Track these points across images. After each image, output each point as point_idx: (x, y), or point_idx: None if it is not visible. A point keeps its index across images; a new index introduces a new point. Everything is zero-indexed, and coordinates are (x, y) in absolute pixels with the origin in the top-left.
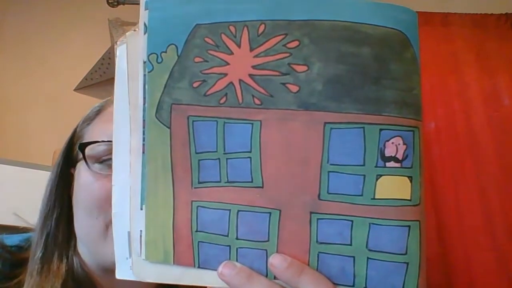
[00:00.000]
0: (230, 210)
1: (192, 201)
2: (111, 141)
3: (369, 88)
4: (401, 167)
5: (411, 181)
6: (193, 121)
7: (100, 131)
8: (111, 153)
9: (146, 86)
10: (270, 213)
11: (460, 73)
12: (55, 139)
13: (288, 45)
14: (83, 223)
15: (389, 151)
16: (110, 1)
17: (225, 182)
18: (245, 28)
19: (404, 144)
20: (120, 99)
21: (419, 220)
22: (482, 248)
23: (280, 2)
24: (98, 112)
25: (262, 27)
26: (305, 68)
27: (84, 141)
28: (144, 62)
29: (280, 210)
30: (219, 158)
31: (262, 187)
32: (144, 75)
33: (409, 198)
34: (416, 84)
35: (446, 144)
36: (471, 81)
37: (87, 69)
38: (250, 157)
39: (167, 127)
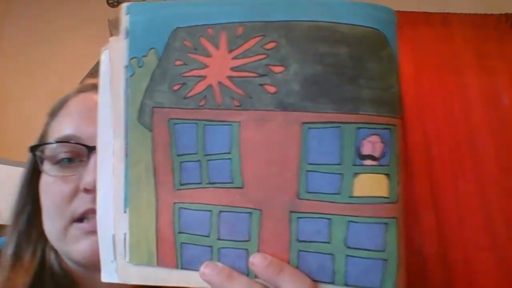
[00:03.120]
0: (211, 211)
1: (174, 203)
2: (61, 142)
3: (346, 88)
4: (378, 165)
5: (388, 179)
6: (174, 123)
7: (60, 126)
8: (68, 151)
9: (128, 90)
10: (250, 213)
11: (460, 73)
12: None
13: (266, 46)
14: (46, 223)
15: (366, 150)
16: (110, 1)
17: (207, 184)
18: (224, 31)
19: (381, 142)
20: (104, 104)
21: (396, 217)
22: (482, 248)
23: (259, 3)
24: (61, 104)
25: (240, 29)
26: (282, 69)
27: (48, 137)
28: (126, 67)
29: (260, 210)
30: (200, 160)
31: (242, 187)
32: (126, 79)
33: (386, 196)
34: (394, 82)
35: (446, 144)
36: (471, 81)
37: (87, 69)
38: (230, 158)
39: (149, 130)
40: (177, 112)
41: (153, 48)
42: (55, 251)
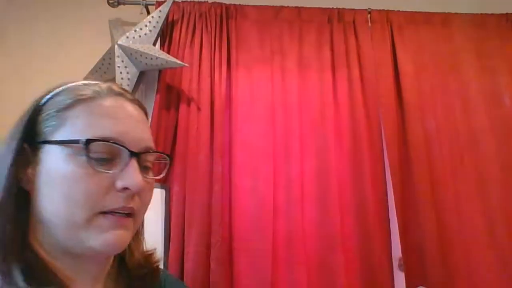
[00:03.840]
0: None
1: None
2: (114, 143)
3: None
4: None
5: None
6: None
7: (99, 124)
8: (108, 151)
9: None
10: None
11: (460, 73)
12: None
13: None
14: (64, 210)
15: None
16: (110, 1)
17: None
18: None
19: None
20: None
21: None
22: (482, 247)
23: None
24: (83, 99)
25: None
26: None
27: (63, 128)
28: None
29: None
30: None
31: None
32: None
33: None
34: None
35: (446, 143)
36: (471, 81)
37: (88, 69)
38: None
39: None
40: None
41: None
42: (34, 238)
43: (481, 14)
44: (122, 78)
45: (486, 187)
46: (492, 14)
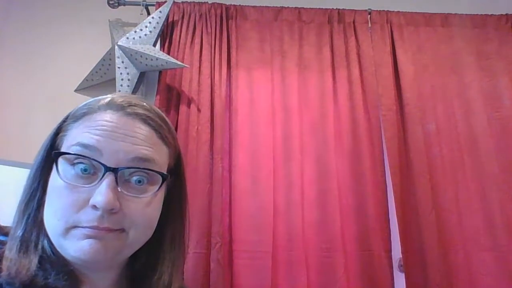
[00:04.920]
0: None
1: None
2: (85, 157)
3: None
4: None
5: None
6: None
7: (83, 134)
8: (87, 163)
9: None
10: None
11: (460, 73)
12: None
13: None
14: (49, 217)
15: None
16: (110, 2)
17: None
18: None
19: None
20: None
21: None
22: (482, 248)
23: None
24: (87, 113)
25: None
26: None
27: (69, 139)
28: None
29: None
30: None
31: None
32: None
33: None
34: None
35: (446, 144)
36: (471, 82)
37: (88, 70)
38: None
39: None
40: None
41: None
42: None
43: (481, 15)
44: (122, 79)
45: (485, 187)
46: (492, 15)
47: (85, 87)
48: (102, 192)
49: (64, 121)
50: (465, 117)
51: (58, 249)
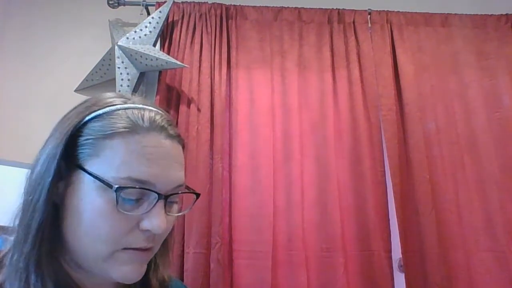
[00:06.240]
0: None
1: None
2: (143, 188)
3: None
4: None
5: None
6: None
7: (134, 165)
8: (139, 193)
9: None
10: None
11: (460, 73)
12: None
13: None
14: (87, 241)
15: None
16: (110, 2)
17: None
18: None
19: None
20: None
21: None
22: (482, 248)
23: None
24: (123, 133)
25: None
26: None
27: (98, 159)
28: None
29: None
30: None
31: None
32: None
33: None
34: None
35: (446, 144)
36: (471, 82)
37: (88, 70)
38: None
39: None
40: None
41: None
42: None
43: (481, 14)
44: (122, 79)
45: (485, 187)
46: (492, 15)
47: (85, 87)
48: (157, 218)
49: (77, 129)
50: (465, 117)
51: (92, 270)
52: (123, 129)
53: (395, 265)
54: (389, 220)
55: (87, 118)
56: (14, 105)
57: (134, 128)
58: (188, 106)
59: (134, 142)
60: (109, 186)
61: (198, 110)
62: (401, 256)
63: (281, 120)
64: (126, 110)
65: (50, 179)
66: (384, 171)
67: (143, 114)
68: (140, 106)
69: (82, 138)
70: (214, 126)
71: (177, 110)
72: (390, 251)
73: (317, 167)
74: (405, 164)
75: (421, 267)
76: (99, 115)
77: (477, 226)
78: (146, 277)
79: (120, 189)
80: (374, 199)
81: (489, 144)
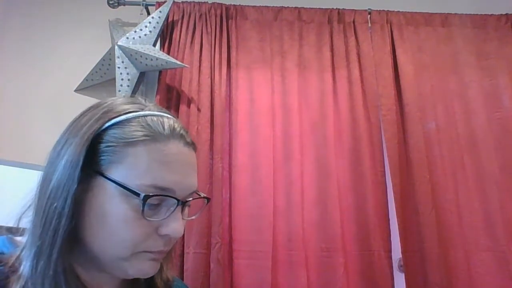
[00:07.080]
0: None
1: None
2: (166, 195)
3: None
4: None
5: None
6: None
7: (157, 172)
8: (159, 199)
9: None
10: None
11: (460, 73)
12: (55, 139)
13: None
14: (109, 246)
15: None
16: (110, 2)
17: None
18: None
19: None
20: None
21: None
22: (482, 248)
23: None
24: (144, 141)
25: None
26: None
27: (120, 166)
28: None
29: None
30: None
31: None
32: None
33: None
34: None
35: (446, 144)
36: (471, 82)
37: (88, 70)
38: None
39: None
40: None
41: None
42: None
43: (481, 14)
44: (122, 79)
45: (485, 187)
46: (492, 14)
47: (85, 87)
48: (177, 223)
49: (101, 135)
50: (465, 117)
51: (110, 270)
52: (145, 137)
53: (395, 265)
54: (389, 220)
55: (107, 124)
56: (14, 105)
57: (155, 136)
58: (188, 106)
59: (156, 150)
60: (135, 194)
61: (198, 110)
62: (401, 256)
63: (281, 120)
64: (146, 118)
65: (75, 187)
66: (384, 171)
67: (163, 122)
68: (157, 113)
69: (103, 145)
70: (214, 126)
71: (177, 110)
72: (390, 251)
73: (317, 167)
74: (405, 164)
75: (421, 267)
76: (119, 121)
77: (477, 226)
78: (151, 278)
79: (146, 197)
80: (374, 199)
81: (489, 144)
